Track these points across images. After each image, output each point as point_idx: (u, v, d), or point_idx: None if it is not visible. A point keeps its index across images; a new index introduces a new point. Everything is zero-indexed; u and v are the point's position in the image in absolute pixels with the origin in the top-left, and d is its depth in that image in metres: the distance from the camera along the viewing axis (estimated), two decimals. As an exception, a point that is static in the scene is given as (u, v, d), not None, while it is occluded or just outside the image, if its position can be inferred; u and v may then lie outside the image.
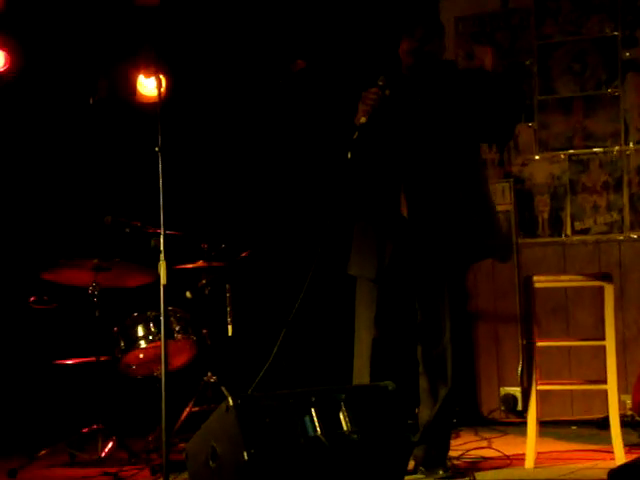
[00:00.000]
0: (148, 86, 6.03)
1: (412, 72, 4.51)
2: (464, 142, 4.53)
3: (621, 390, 5.07)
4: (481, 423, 6.24)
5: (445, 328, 4.53)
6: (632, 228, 6.22)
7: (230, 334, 5.80)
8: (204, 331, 5.74)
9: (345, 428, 3.86)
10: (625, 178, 6.24)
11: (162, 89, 4.65)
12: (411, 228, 4.45)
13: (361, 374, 4.54)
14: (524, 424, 4.98)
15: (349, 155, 4.24)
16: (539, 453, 4.90)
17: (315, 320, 6.30)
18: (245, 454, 3.63)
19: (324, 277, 4.43)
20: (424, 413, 4.62)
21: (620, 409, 4.89)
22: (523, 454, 4.86)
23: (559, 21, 6.39)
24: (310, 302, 4.22)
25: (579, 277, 5.41)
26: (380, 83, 4.36)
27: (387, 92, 4.37)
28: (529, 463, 4.82)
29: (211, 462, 3.83)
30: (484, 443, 5.53)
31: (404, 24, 4.51)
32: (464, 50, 6.41)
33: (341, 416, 3.88)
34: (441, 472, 4.54)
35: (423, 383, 4.61)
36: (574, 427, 6.01)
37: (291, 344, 4.21)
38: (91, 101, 6.37)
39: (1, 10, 6.02)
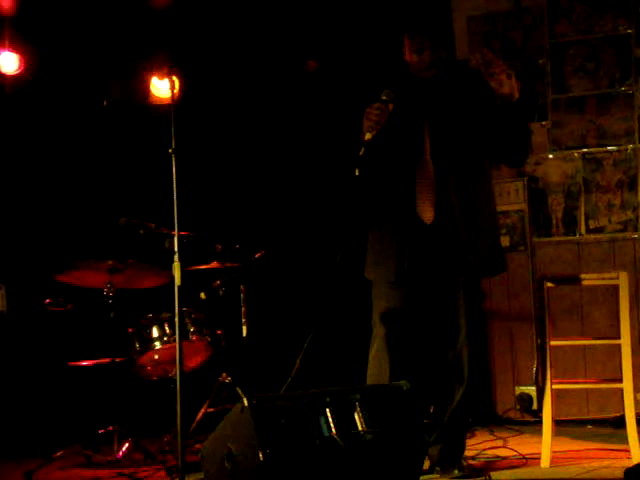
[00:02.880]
0: (161, 88, 6.03)
1: (427, 81, 4.51)
2: (479, 148, 4.54)
3: (637, 389, 5.05)
4: (496, 422, 6.23)
5: (461, 327, 4.53)
6: (647, 226, 6.22)
7: (245, 335, 5.80)
8: (219, 332, 5.75)
9: (360, 428, 3.86)
10: (639, 176, 6.22)
11: (175, 91, 4.65)
12: (432, 233, 4.45)
13: (380, 373, 4.53)
14: (539, 423, 4.97)
15: (357, 172, 4.23)
16: (555, 452, 4.89)
17: (329, 321, 6.29)
18: (260, 454, 3.64)
19: (338, 279, 4.44)
20: (440, 413, 4.61)
21: (636, 408, 4.88)
22: (539, 453, 4.86)
23: (572, 20, 6.37)
24: (324, 303, 4.22)
25: (594, 276, 5.39)
26: (383, 97, 4.33)
27: (391, 106, 4.34)
28: (545, 462, 4.81)
29: (227, 463, 3.84)
30: (499, 442, 5.53)
31: (411, 34, 4.49)
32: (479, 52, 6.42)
33: (356, 416, 3.88)
34: (457, 472, 4.54)
35: (439, 383, 4.61)
36: (590, 426, 6.00)
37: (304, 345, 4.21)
38: (105, 103, 6.38)
39: (15, 13, 6.04)
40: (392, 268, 4.49)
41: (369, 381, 4.57)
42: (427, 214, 4.46)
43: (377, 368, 4.56)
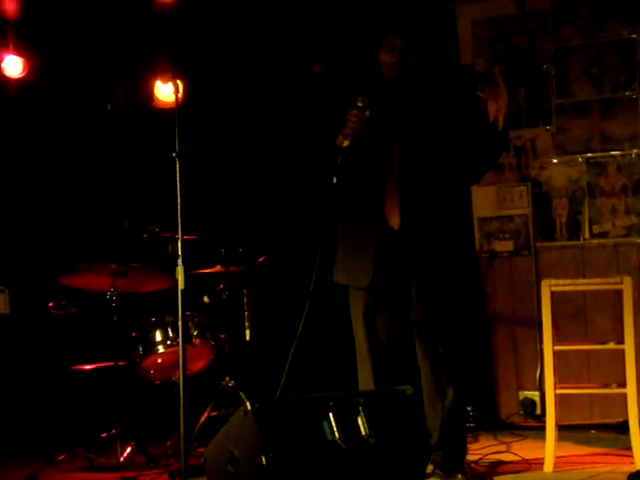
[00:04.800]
0: (165, 91, 6.04)
1: (393, 83, 4.48)
2: (446, 155, 4.51)
3: (640, 394, 5.04)
4: (500, 427, 6.23)
5: (442, 327, 4.51)
6: (651, 231, 6.21)
7: (248, 339, 5.80)
8: (222, 336, 5.75)
9: (363, 432, 3.86)
10: (643, 181, 6.23)
11: (179, 94, 4.66)
12: (401, 238, 4.45)
13: (366, 380, 4.53)
14: (543, 428, 4.97)
15: (334, 180, 4.20)
16: (558, 457, 4.89)
17: (324, 326, 6.29)
18: (263, 458, 3.63)
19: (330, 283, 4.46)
20: (430, 415, 4.57)
21: (640, 413, 4.87)
22: (542, 458, 4.85)
23: (576, 24, 6.37)
24: (320, 307, 4.21)
25: (598, 280, 5.38)
26: (359, 104, 4.29)
27: (367, 113, 4.29)
28: (548, 467, 4.80)
29: (229, 467, 3.84)
30: (503, 447, 5.51)
31: (384, 34, 4.46)
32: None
33: (359, 420, 3.88)
34: (460, 476, 4.52)
35: (426, 385, 4.58)
36: (593, 431, 5.99)
37: (302, 350, 4.19)
38: (109, 107, 6.38)
39: (19, 17, 6.05)
40: (363, 274, 4.48)
41: (360, 386, 4.57)
42: (394, 220, 4.45)
43: (362, 373, 4.56)
